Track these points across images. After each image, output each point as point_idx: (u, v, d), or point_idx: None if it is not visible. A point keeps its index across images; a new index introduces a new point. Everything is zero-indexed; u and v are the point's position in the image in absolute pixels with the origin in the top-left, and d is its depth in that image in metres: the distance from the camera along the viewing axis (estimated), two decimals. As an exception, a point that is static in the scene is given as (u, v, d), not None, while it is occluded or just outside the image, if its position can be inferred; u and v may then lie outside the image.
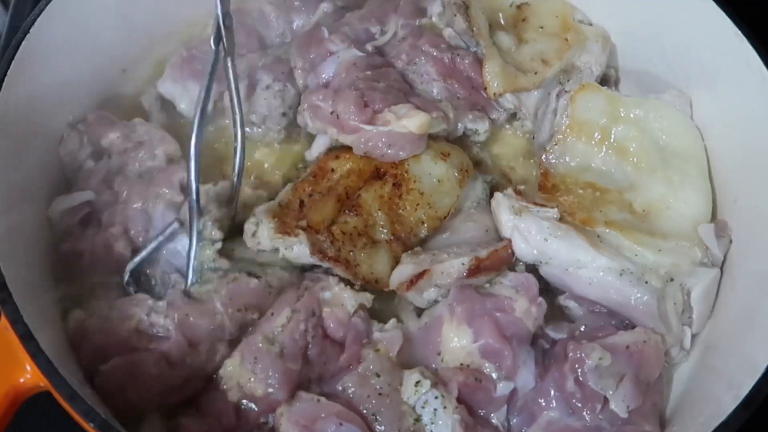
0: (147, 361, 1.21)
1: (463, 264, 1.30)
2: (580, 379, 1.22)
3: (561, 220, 1.37)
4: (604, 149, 1.48)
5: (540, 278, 1.36)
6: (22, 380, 1.11)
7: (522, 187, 1.47)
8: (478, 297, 1.30)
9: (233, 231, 1.39)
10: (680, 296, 1.32)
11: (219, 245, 1.33)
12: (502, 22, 1.63)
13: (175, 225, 1.33)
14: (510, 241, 1.36)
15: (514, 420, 1.26)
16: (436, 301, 1.34)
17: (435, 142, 1.46)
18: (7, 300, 1.09)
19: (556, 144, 1.49)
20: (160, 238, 1.33)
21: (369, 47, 1.55)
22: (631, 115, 1.48)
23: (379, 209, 1.39)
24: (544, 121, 1.56)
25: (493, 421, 1.25)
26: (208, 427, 1.19)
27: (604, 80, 1.63)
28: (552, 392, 1.24)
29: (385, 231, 1.39)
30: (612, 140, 1.48)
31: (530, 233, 1.34)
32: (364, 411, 1.19)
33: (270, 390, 1.19)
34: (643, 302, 1.30)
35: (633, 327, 1.32)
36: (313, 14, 1.63)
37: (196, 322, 1.25)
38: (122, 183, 1.40)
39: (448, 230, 1.43)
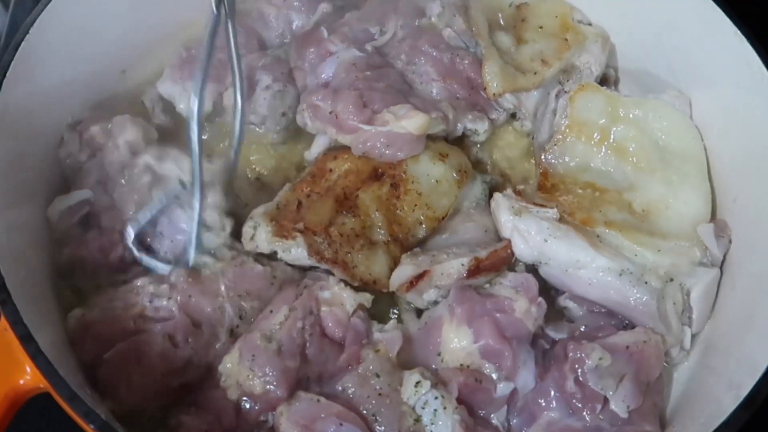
0: (151, 339, 1.22)
1: (462, 265, 1.30)
2: (580, 379, 1.22)
3: (560, 220, 1.37)
4: (603, 149, 1.48)
5: (540, 278, 1.36)
6: (21, 382, 1.11)
7: (521, 187, 1.47)
8: (478, 297, 1.30)
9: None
10: (680, 296, 1.32)
11: (228, 230, 1.36)
12: (502, 22, 1.63)
13: (177, 188, 1.35)
14: (509, 241, 1.36)
15: (515, 420, 1.26)
16: (435, 302, 1.34)
17: (434, 143, 1.46)
18: (6, 301, 1.09)
19: (555, 144, 1.49)
20: (164, 200, 1.34)
21: (368, 47, 1.55)
22: (631, 116, 1.48)
23: (377, 210, 1.39)
24: (543, 121, 1.56)
25: (494, 421, 1.25)
26: (208, 425, 1.19)
27: (604, 80, 1.63)
28: (552, 392, 1.24)
29: (383, 232, 1.38)
30: (611, 140, 1.48)
31: (530, 234, 1.34)
32: (364, 411, 1.19)
33: (268, 387, 1.19)
34: (642, 302, 1.30)
35: (633, 327, 1.32)
36: (313, 14, 1.63)
37: (198, 302, 1.27)
38: (113, 187, 1.40)
39: (448, 231, 1.43)
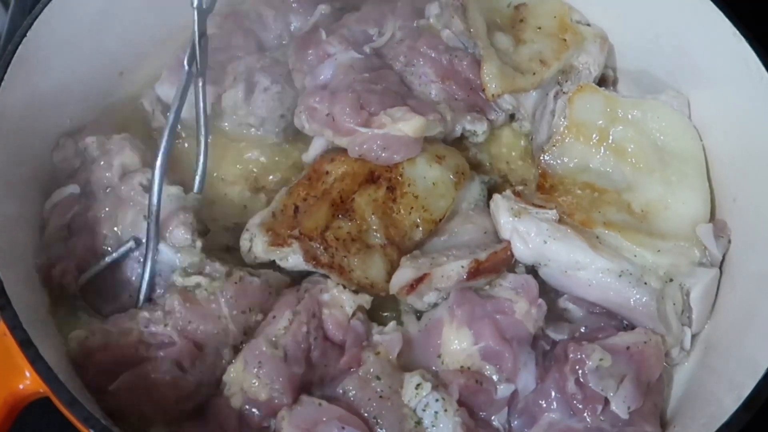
0: (158, 368, 1.19)
1: (462, 267, 1.30)
2: (581, 380, 1.22)
3: (560, 221, 1.36)
4: (602, 150, 1.48)
5: (539, 280, 1.35)
6: (21, 386, 1.10)
7: (520, 188, 1.47)
8: (478, 299, 1.30)
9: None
10: (679, 296, 1.32)
11: (198, 246, 1.33)
12: (500, 22, 1.63)
13: (131, 244, 1.33)
14: (509, 242, 1.36)
15: (515, 422, 1.26)
16: (436, 304, 1.34)
17: (431, 145, 1.46)
18: (5, 306, 1.09)
19: (554, 145, 1.49)
20: (114, 255, 1.33)
21: (367, 49, 1.54)
22: (629, 116, 1.48)
23: (373, 213, 1.39)
24: (542, 122, 1.56)
25: (494, 423, 1.25)
26: (212, 434, 1.19)
27: (602, 81, 1.63)
28: (553, 393, 1.24)
29: (379, 235, 1.38)
30: (610, 141, 1.48)
31: (529, 235, 1.34)
32: (365, 414, 1.19)
33: (274, 394, 1.19)
34: (642, 303, 1.30)
35: (633, 328, 1.32)
36: (311, 16, 1.62)
37: (198, 328, 1.24)
38: (93, 203, 1.38)
39: (447, 233, 1.43)
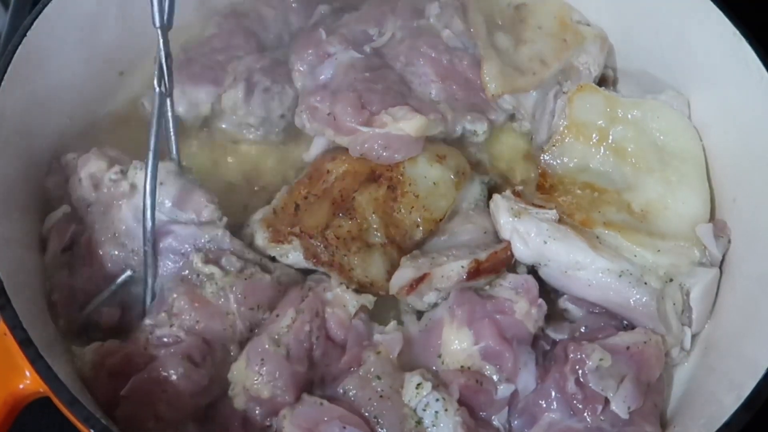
0: (168, 364, 1.18)
1: (462, 267, 1.30)
2: (581, 380, 1.22)
3: (560, 221, 1.36)
4: (602, 150, 1.48)
5: (539, 280, 1.35)
6: (21, 386, 1.10)
7: (520, 188, 1.47)
8: (478, 299, 1.30)
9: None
10: (679, 296, 1.32)
11: (224, 222, 1.34)
12: (500, 22, 1.62)
13: (128, 273, 1.31)
14: (509, 242, 1.36)
15: (516, 422, 1.26)
16: (436, 304, 1.34)
17: (432, 145, 1.46)
18: (5, 305, 1.08)
19: (554, 145, 1.49)
20: (112, 288, 1.31)
21: (367, 49, 1.54)
22: (629, 116, 1.48)
23: (374, 212, 1.39)
24: (542, 121, 1.56)
25: (495, 423, 1.25)
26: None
27: (602, 81, 1.63)
28: (553, 393, 1.24)
29: (380, 234, 1.38)
30: (610, 141, 1.48)
31: (529, 235, 1.34)
32: (366, 414, 1.19)
33: (277, 392, 1.18)
34: (642, 303, 1.30)
35: (633, 328, 1.32)
36: (311, 16, 1.62)
37: (206, 326, 1.24)
38: (83, 224, 1.36)
39: (447, 232, 1.42)
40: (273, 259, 1.37)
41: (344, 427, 1.14)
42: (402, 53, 1.54)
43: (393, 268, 1.36)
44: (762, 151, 1.33)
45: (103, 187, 1.34)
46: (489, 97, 1.53)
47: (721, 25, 1.38)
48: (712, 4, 1.40)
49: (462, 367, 1.26)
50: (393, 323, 1.33)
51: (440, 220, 1.42)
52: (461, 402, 1.21)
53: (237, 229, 1.40)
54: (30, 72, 1.34)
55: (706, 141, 1.47)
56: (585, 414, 1.22)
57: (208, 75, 1.52)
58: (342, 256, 1.34)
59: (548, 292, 1.38)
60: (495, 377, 1.25)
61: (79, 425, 1.04)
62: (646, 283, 1.31)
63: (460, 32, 1.56)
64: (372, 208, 1.39)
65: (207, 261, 1.28)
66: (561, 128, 1.49)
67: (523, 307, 1.29)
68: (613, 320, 1.35)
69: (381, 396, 1.20)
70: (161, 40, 1.22)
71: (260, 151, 1.56)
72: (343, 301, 1.30)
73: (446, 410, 1.19)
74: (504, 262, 1.35)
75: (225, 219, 1.35)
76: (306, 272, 1.38)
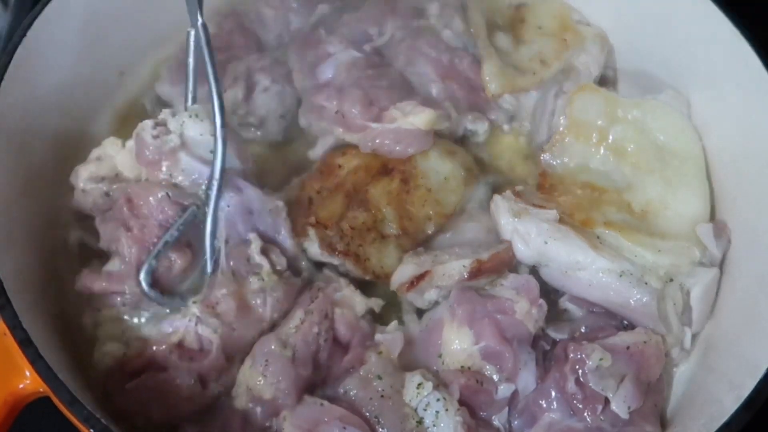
0: (179, 380, 1.18)
1: (464, 266, 1.30)
2: (581, 380, 1.22)
3: (560, 221, 1.36)
4: (602, 150, 1.48)
5: (540, 280, 1.35)
6: (21, 386, 1.10)
7: (520, 188, 1.47)
8: (478, 299, 1.30)
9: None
10: (680, 296, 1.32)
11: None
12: (500, 22, 1.63)
13: (192, 209, 1.27)
14: (511, 243, 1.36)
15: (516, 422, 1.26)
16: (436, 302, 1.34)
17: (441, 141, 1.47)
18: (5, 305, 1.08)
19: (554, 145, 1.49)
20: (180, 227, 1.25)
21: (367, 48, 1.55)
22: (629, 116, 1.48)
23: (388, 204, 1.40)
24: (542, 121, 1.56)
25: (495, 422, 1.25)
26: (214, 435, 1.19)
27: (602, 81, 1.63)
28: (553, 393, 1.24)
29: (394, 226, 1.39)
30: (610, 141, 1.48)
31: (530, 236, 1.34)
32: (367, 414, 1.19)
33: (278, 394, 1.18)
34: (642, 303, 1.29)
35: (633, 328, 1.32)
36: (311, 16, 1.62)
37: (240, 335, 1.23)
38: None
39: (451, 230, 1.43)
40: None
41: (344, 428, 1.14)
42: (402, 53, 1.54)
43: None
44: (762, 151, 1.33)
45: (146, 150, 1.29)
46: (489, 97, 1.53)
47: (721, 25, 1.38)
48: (712, 4, 1.40)
49: (462, 367, 1.26)
50: (394, 323, 1.33)
51: (450, 214, 1.43)
52: (462, 402, 1.21)
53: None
54: (30, 72, 1.34)
55: (706, 141, 1.47)
56: (585, 414, 1.22)
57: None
58: (357, 246, 1.35)
59: (548, 292, 1.37)
60: (495, 377, 1.25)
61: (79, 425, 1.04)
62: (646, 283, 1.30)
63: (460, 32, 1.57)
64: (386, 201, 1.40)
65: (264, 251, 1.27)
66: (561, 128, 1.49)
67: (523, 307, 1.29)
68: (613, 320, 1.34)
69: (382, 396, 1.20)
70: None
71: (260, 151, 1.56)
72: (351, 302, 1.30)
73: (447, 410, 1.19)
74: (506, 263, 1.35)
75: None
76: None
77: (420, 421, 1.19)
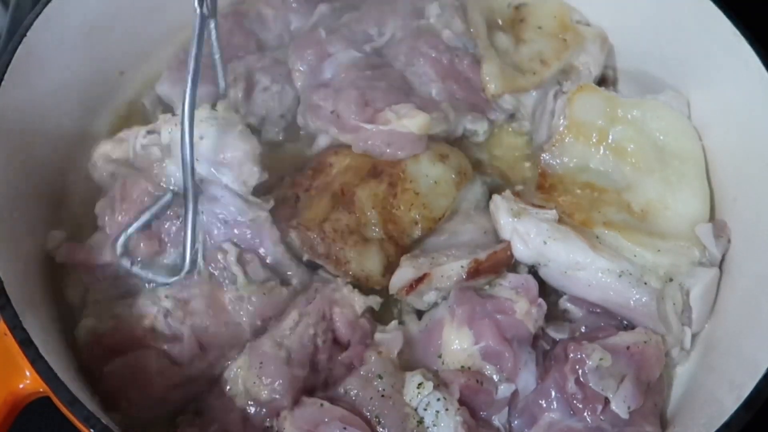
0: (149, 356, 1.21)
1: (462, 267, 1.30)
2: (581, 379, 1.22)
3: (560, 221, 1.36)
4: (602, 150, 1.48)
5: (540, 279, 1.35)
6: (21, 386, 1.10)
7: (520, 188, 1.47)
8: (478, 299, 1.30)
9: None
10: (679, 296, 1.32)
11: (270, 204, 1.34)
12: (500, 22, 1.63)
13: (168, 197, 1.31)
14: (509, 243, 1.36)
15: (516, 422, 1.26)
16: (436, 304, 1.34)
17: (434, 144, 1.46)
18: (5, 305, 1.08)
19: (554, 144, 1.49)
20: (154, 209, 1.29)
21: (367, 48, 1.55)
22: (629, 116, 1.48)
23: (373, 208, 1.39)
24: (541, 121, 1.56)
25: (495, 422, 1.25)
26: (214, 434, 1.20)
27: (602, 81, 1.63)
28: (553, 393, 1.24)
29: (378, 230, 1.38)
30: (610, 141, 1.48)
31: (529, 236, 1.34)
32: (367, 414, 1.19)
33: (274, 396, 1.19)
34: (642, 303, 1.30)
35: (633, 328, 1.32)
36: (311, 16, 1.62)
37: (215, 331, 1.25)
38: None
39: (447, 232, 1.43)
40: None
41: (345, 428, 1.14)
42: (402, 53, 1.54)
43: (390, 264, 1.37)
44: (762, 151, 1.33)
45: (136, 157, 1.35)
46: (489, 97, 1.53)
47: (721, 25, 1.38)
48: (712, 4, 1.40)
49: (462, 367, 1.26)
50: (394, 322, 1.33)
51: (439, 218, 1.42)
52: (462, 402, 1.21)
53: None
54: (30, 72, 1.34)
55: (706, 141, 1.47)
56: (585, 414, 1.22)
57: (208, 75, 1.52)
58: (338, 249, 1.35)
59: (548, 293, 1.38)
60: (495, 377, 1.25)
61: (79, 425, 1.04)
62: (646, 283, 1.31)
63: (460, 32, 1.57)
64: (371, 204, 1.39)
65: (240, 260, 1.29)
66: (561, 128, 1.49)
67: (523, 307, 1.29)
68: (613, 320, 1.35)
69: (382, 395, 1.20)
70: None
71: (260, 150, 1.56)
72: (350, 301, 1.30)
73: (447, 410, 1.19)
74: (504, 262, 1.35)
75: (272, 202, 1.34)
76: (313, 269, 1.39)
77: (420, 421, 1.19)
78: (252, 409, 1.20)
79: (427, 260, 1.33)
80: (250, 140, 1.33)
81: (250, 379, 1.20)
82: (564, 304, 1.37)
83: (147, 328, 1.24)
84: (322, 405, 1.18)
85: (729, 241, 1.38)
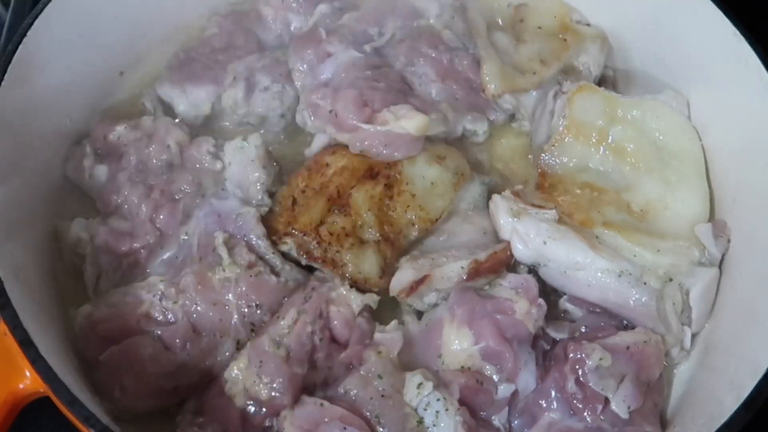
0: (143, 343, 1.23)
1: (462, 268, 1.30)
2: (581, 379, 1.22)
3: (559, 221, 1.36)
4: (601, 150, 1.48)
5: (539, 280, 1.35)
6: (21, 386, 1.10)
7: (520, 188, 1.47)
8: (478, 299, 1.30)
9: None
10: (679, 296, 1.32)
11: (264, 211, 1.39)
12: (500, 22, 1.63)
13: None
14: (508, 243, 1.36)
15: (516, 422, 1.26)
16: (436, 304, 1.34)
17: (432, 145, 1.46)
18: (5, 305, 1.08)
19: (553, 144, 1.49)
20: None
21: (367, 48, 1.55)
22: (629, 116, 1.48)
23: (369, 209, 1.39)
24: (541, 121, 1.56)
25: (495, 422, 1.25)
26: (213, 433, 1.20)
27: (602, 81, 1.63)
28: (553, 393, 1.24)
29: (374, 231, 1.38)
30: (609, 141, 1.48)
31: (529, 236, 1.34)
32: (367, 413, 1.19)
33: (274, 394, 1.19)
34: (642, 303, 1.30)
35: (633, 327, 1.32)
36: (311, 16, 1.62)
37: (204, 312, 1.26)
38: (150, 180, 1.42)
39: (445, 232, 1.42)
40: (283, 254, 1.37)
41: (345, 428, 1.14)
42: (402, 53, 1.54)
43: (386, 265, 1.36)
44: (762, 151, 1.33)
45: (195, 161, 1.44)
46: (489, 97, 1.53)
47: (721, 25, 1.38)
48: (712, 4, 1.40)
49: (462, 367, 1.26)
50: (394, 322, 1.33)
51: (436, 220, 1.42)
52: (462, 402, 1.21)
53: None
54: (30, 72, 1.34)
55: (706, 141, 1.47)
56: (585, 414, 1.22)
57: (208, 74, 1.53)
58: (335, 252, 1.35)
59: (548, 292, 1.38)
60: (495, 377, 1.25)
61: (79, 425, 1.04)
62: (645, 283, 1.31)
63: (459, 32, 1.57)
64: (368, 205, 1.39)
65: (227, 243, 1.32)
66: (561, 128, 1.49)
67: (523, 307, 1.29)
68: (613, 320, 1.35)
69: (382, 395, 1.20)
70: None
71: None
72: (347, 300, 1.30)
73: (447, 410, 1.19)
74: (503, 262, 1.35)
75: (268, 202, 1.40)
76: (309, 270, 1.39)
77: (420, 421, 1.19)
78: (252, 409, 1.20)
79: (427, 261, 1.33)
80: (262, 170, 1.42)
81: (250, 378, 1.20)
82: (564, 304, 1.37)
83: (142, 314, 1.26)
84: (322, 405, 1.18)
85: (729, 241, 1.38)
